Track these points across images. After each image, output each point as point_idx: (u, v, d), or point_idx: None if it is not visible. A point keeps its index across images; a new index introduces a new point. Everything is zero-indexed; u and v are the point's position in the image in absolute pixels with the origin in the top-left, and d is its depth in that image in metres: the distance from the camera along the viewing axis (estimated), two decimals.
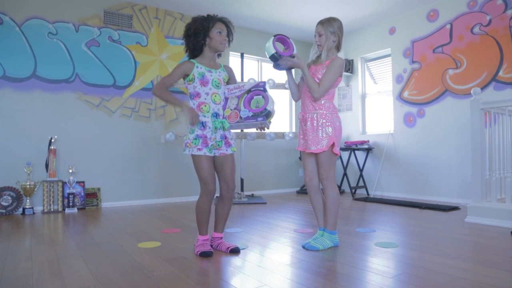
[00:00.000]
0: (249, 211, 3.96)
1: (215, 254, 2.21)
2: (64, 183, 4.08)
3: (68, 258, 2.18)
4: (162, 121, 4.82)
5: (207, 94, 2.20)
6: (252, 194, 5.23)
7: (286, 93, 5.99)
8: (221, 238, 2.36)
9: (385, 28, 5.37)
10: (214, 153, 2.23)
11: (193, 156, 2.19)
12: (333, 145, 2.31)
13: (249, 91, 2.20)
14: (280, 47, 2.35)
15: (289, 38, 2.38)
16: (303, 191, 5.69)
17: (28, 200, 3.87)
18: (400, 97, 5.15)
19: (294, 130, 6.07)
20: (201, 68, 2.22)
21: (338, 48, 2.43)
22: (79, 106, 4.27)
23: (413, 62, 4.99)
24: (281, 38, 2.36)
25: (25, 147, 3.97)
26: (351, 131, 5.82)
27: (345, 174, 5.31)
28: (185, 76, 2.23)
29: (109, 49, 4.47)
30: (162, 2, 4.71)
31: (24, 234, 2.86)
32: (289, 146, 5.92)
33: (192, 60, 2.26)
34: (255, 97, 2.18)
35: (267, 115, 2.13)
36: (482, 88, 4.20)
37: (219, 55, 2.34)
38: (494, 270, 1.89)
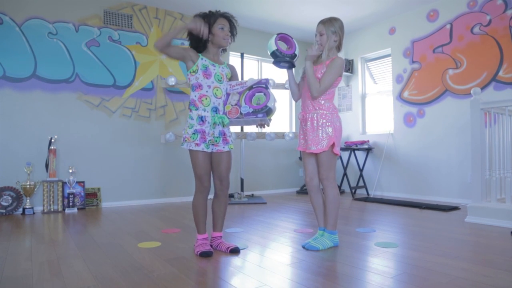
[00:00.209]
0: (249, 211, 3.96)
1: (215, 254, 2.21)
2: (64, 183, 4.08)
3: (68, 258, 2.18)
4: (162, 121, 4.82)
5: (209, 86, 2.21)
6: (252, 194, 5.22)
7: (286, 93, 5.99)
8: (221, 237, 2.37)
9: (385, 28, 5.37)
10: (212, 149, 2.24)
11: (190, 151, 2.21)
12: (333, 145, 2.31)
13: (251, 88, 2.20)
14: (283, 46, 2.35)
15: (292, 38, 2.38)
16: (303, 191, 5.69)
17: (28, 200, 3.87)
18: (400, 97, 5.15)
19: (294, 130, 6.07)
20: (205, 60, 2.23)
21: (338, 48, 2.43)
22: (79, 106, 4.27)
23: (413, 62, 4.99)
24: (284, 37, 2.37)
25: (25, 147, 3.97)
26: (351, 131, 5.82)
27: (345, 174, 5.30)
28: (188, 62, 2.21)
29: (109, 49, 4.47)
30: (162, 2, 4.71)
31: (24, 234, 2.86)
32: (289, 146, 5.92)
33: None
34: (256, 94, 2.18)
35: (268, 112, 2.12)
36: (482, 88, 4.19)
37: (223, 51, 2.35)
38: (494, 270, 1.89)
